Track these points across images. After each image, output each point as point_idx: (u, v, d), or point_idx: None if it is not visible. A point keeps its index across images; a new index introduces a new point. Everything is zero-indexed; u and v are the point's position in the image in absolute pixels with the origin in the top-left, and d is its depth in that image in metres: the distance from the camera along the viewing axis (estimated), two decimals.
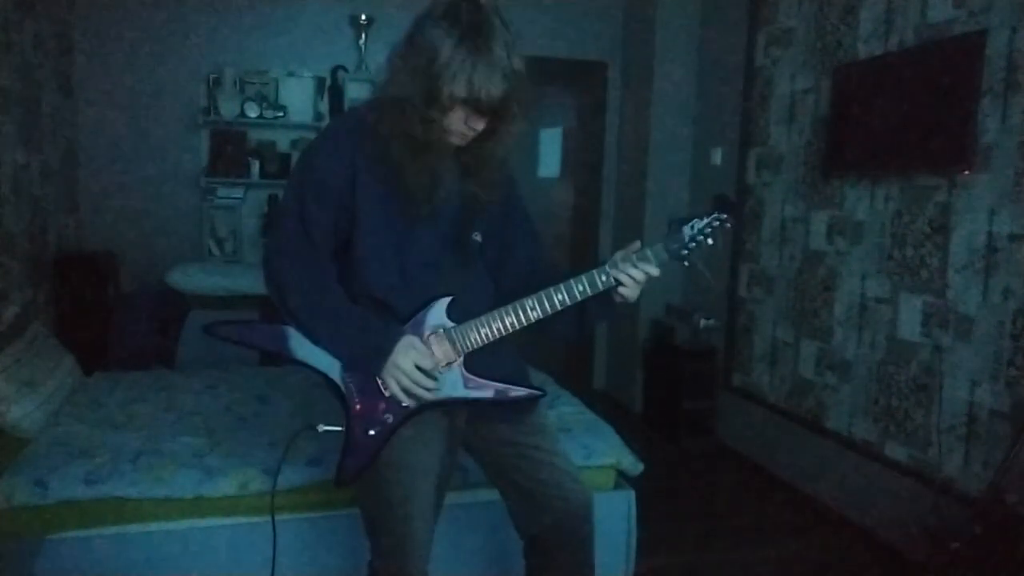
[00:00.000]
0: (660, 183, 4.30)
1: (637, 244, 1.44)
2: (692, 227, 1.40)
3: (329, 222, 1.41)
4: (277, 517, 2.09)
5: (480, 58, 1.26)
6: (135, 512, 2.02)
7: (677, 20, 4.20)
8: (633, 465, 2.37)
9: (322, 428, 1.49)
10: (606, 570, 2.25)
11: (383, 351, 1.39)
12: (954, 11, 2.51)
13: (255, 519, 2.08)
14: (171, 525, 2.04)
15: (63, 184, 3.83)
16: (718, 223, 1.40)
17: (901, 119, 2.67)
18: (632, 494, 2.35)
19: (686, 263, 1.43)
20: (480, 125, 1.34)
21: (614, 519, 2.30)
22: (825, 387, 3.15)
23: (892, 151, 2.72)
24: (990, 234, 2.38)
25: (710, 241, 1.41)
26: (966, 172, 2.44)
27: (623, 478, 2.41)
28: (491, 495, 2.07)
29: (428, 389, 1.40)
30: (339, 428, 1.46)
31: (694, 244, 1.41)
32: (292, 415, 2.54)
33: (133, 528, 2.02)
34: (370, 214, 1.41)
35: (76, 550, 1.97)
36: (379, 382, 1.43)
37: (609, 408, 4.19)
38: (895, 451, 2.76)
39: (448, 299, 1.43)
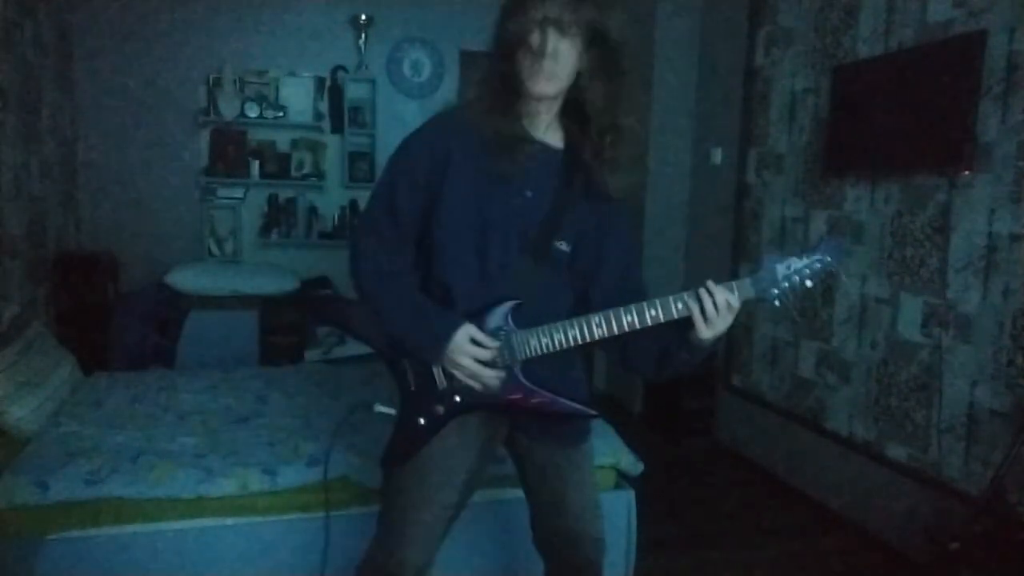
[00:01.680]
0: (660, 183, 4.30)
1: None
2: (788, 266, 1.28)
3: (416, 207, 1.43)
4: (278, 517, 2.10)
5: None
6: (135, 512, 2.02)
7: (677, 20, 4.20)
8: (633, 465, 2.37)
9: (378, 408, 1.50)
10: (606, 570, 2.25)
11: (441, 340, 1.38)
12: (954, 11, 2.51)
13: (255, 519, 2.08)
14: (171, 525, 2.04)
15: (63, 184, 3.84)
16: (820, 266, 1.28)
17: (901, 119, 2.67)
18: (632, 494, 2.35)
19: (777, 303, 1.29)
20: (554, 46, 1.31)
21: (614, 519, 2.29)
22: (825, 387, 3.15)
23: (892, 151, 2.72)
24: (990, 234, 2.38)
25: (808, 284, 1.28)
26: (966, 172, 2.44)
27: (623, 478, 2.40)
28: (499, 494, 2.09)
29: (489, 379, 1.39)
30: (392, 411, 1.46)
31: (787, 284, 1.28)
32: (292, 415, 2.54)
33: (133, 528, 2.02)
34: (456, 205, 1.41)
35: (76, 550, 1.97)
36: (435, 373, 1.43)
37: (609, 408, 4.18)
38: (895, 451, 2.76)
39: (514, 303, 1.40)
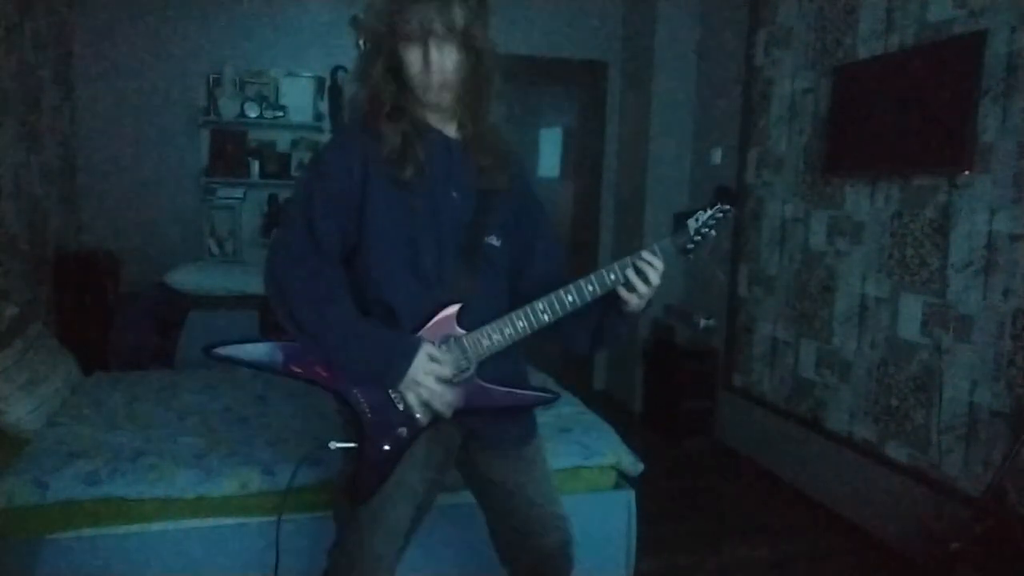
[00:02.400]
0: (660, 183, 4.30)
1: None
2: (696, 220, 1.38)
3: (338, 227, 1.36)
4: (277, 516, 2.10)
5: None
6: (135, 512, 2.02)
7: (677, 20, 4.20)
8: (633, 465, 2.37)
9: (334, 445, 1.43)
10: (606, 570, 2.25)
11: (401, 365, 1.34)
12: (954, 11, 2.51)
13: (255, 519, 2.08)
14: (171, 525, 2.04)
15: (63, 184, 3.83)
16: (721, 215, 1.38)
17: (901, 119, 2.67)
18: (632, 494, 2.35)
19: (691, 256, 1.40)
20: (439, 58, 1.32)
21: (614, 519, 2.30)
22: (825, 387, 3.15)
23: (892, 151, 2.73)
24: (990, 234, 2.38)
25: (714, 233, 1.38)
26: (966, 172, 2.44)
27: (623, 478, 2.40)
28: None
29: (449, 402, 1.37)
30: (352, 444, 1.41)
31: (699, 238, 1.38)
32: (292, 415, 2.54)
33: (133, 528, 2.02)
34: (380, 217, 1.37)
35: (76, 550, 1.97)
36: (392, 395, 1.38)
37: (609, 408, 4.18)
38: (895, 451, 2.76)
39: (457, 307, 1.38)
